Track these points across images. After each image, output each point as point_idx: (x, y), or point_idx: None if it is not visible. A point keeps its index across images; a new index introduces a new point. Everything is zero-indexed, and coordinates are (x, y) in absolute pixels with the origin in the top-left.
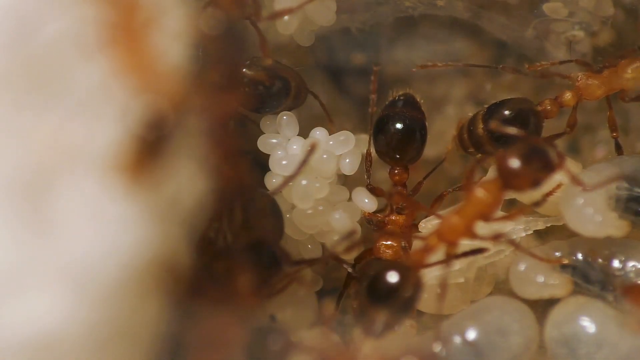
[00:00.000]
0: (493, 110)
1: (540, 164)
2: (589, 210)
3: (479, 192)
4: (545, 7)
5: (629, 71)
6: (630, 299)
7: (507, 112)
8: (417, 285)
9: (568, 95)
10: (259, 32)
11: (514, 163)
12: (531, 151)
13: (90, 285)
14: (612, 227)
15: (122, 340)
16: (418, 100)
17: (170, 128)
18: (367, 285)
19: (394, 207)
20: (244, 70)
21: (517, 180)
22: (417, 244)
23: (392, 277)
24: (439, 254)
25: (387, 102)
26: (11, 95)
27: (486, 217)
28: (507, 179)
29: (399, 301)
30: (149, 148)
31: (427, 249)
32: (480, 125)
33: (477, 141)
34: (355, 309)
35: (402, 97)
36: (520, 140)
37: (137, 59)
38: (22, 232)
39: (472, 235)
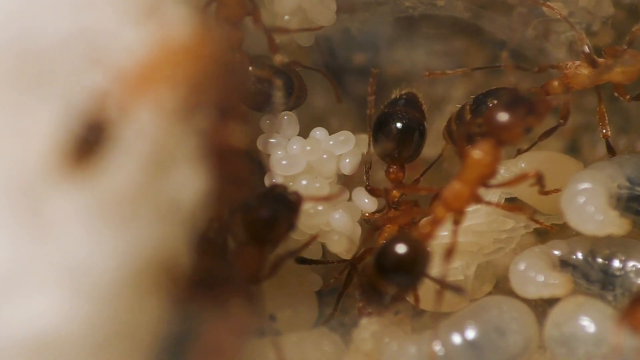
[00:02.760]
0: (480, 100)
1: (526, 110)
2: (589, 208)
3: (476, 154)
4: (545, 7)
5: (618, 63)
6: (630, 323)
7: (494, 102)
8: (426, 257)
9: (555, 83)
10: (266, 30)
11: (501, 116)
12: (514, 101)
13: (89, 285)
14: (613, 226)
15: (122, 341)
16: (420, 100)
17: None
18: (376, 257)
19: (391, 204)
20: (249, 68)
21: (508, 132)
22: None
23: (401, 248)
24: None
25: (388, 101)
26: (11, 96)
27: (487, 179)
28: (499, 134)
29: (407, 273)
30: (88, 146)
31: (435, 221)
32: (469, 116)
33: (468, 135)
34: (362, 283)
35: (404, 96)
36: (501, 94)
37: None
38: (21, 232)
39: (478, 200)
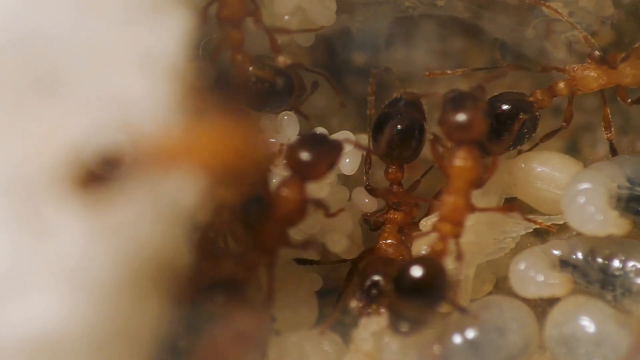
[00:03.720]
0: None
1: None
2: (590, 209)
3: (456, 162)
4: (546, 8)
5: (628, 66)
6: None
7: (500, 106)
8: (444, 275)
9: (561, 85)
10: (268, 30)
11: (459, 117)
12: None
13: (89, 286)
14: (613, 226)
15: (121, 340)
16: (420, 100)
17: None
18: (395, 284)
19: (391, 204)
20: (250, 68)
21: (466, 131)
22: (427, 239)
23: (417, 271)
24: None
25: (389, 101)
26: (11, 96)
27: (477, 182)
28: (464, 136)
29: (430, 294)
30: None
31: (443, 237)
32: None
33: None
34: (362, 283)
35: (404, 97)
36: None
37: None
38: (21, 233)
39: (474, 208)
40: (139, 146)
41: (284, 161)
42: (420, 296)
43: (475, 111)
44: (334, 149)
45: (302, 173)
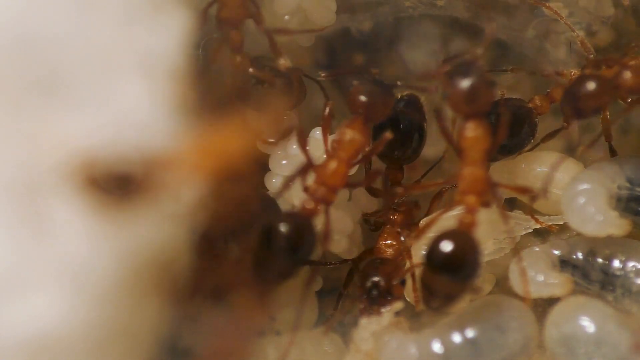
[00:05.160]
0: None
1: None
2: (590, 209)
3: (467, 132)
4: (546, 9)
5: (627, 69)
6: None
7: (499, 112)
8: (476, 248)
9: (559, 91)
10: (268, 32)
11: (463, 84)
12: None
13: (89, 286)
14: (613, 226)
15: (121, 340)
16: (420, 101)
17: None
18: (426, 259)
19: (391, 204)
20: (250, 69)
21: (474, 103)
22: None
23: (448, 245)
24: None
25: None
26: (11, 96)
27: (487, 150)
28: (464, 104)
29: (461, 268)
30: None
31: (469, 209)
32: None
33: None
34: (362, 284)
35: (405, 98)
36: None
37: None
38: (22, 232)
39: (491, 179)
40: (149, 165)
41: (351, 104)
42: (452, 271)
43: (481, 81)
44: (391, 91)
45: (368, 115)
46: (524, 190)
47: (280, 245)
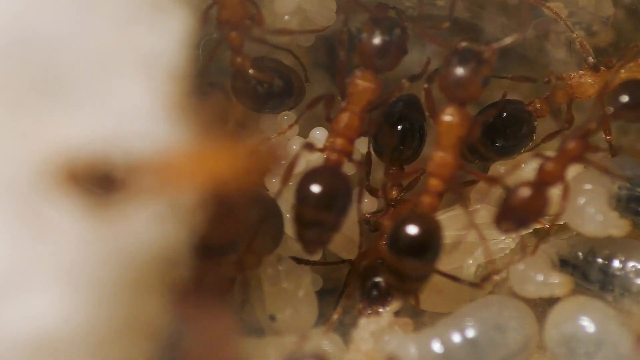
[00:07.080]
0: (484, 113)
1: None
2: (590, 209)
3: (445, 116)
4: (545, 9)
5: (623, 71)
6: None
7: (498, 114)
8: (437, 226)
9: (559, 94)
10: (268, 32)
11: (457, 71)
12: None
13: (89, 285)
14: (613, 226)
15: (121, 340)
16: (420, 101)
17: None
18: (391, 245)
19: (390, 202)
20: (250, 70)
21: (463, 89)
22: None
23: (412, 229)
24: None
25: (389, 102)
26: (11, 96)
27: (461, 137)
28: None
29: (426, 249)
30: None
31: (431, 192)
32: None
33: (471, 145)
34: (364, 283)
35: (404, 98)
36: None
37: None
38: (21, 232)
39: (461, 165)
40: (132, 164)
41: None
42: (416, 252)
43: (475, 73)
44: (404, 31)
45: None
46: (494, 180)
47: (320, 199)
